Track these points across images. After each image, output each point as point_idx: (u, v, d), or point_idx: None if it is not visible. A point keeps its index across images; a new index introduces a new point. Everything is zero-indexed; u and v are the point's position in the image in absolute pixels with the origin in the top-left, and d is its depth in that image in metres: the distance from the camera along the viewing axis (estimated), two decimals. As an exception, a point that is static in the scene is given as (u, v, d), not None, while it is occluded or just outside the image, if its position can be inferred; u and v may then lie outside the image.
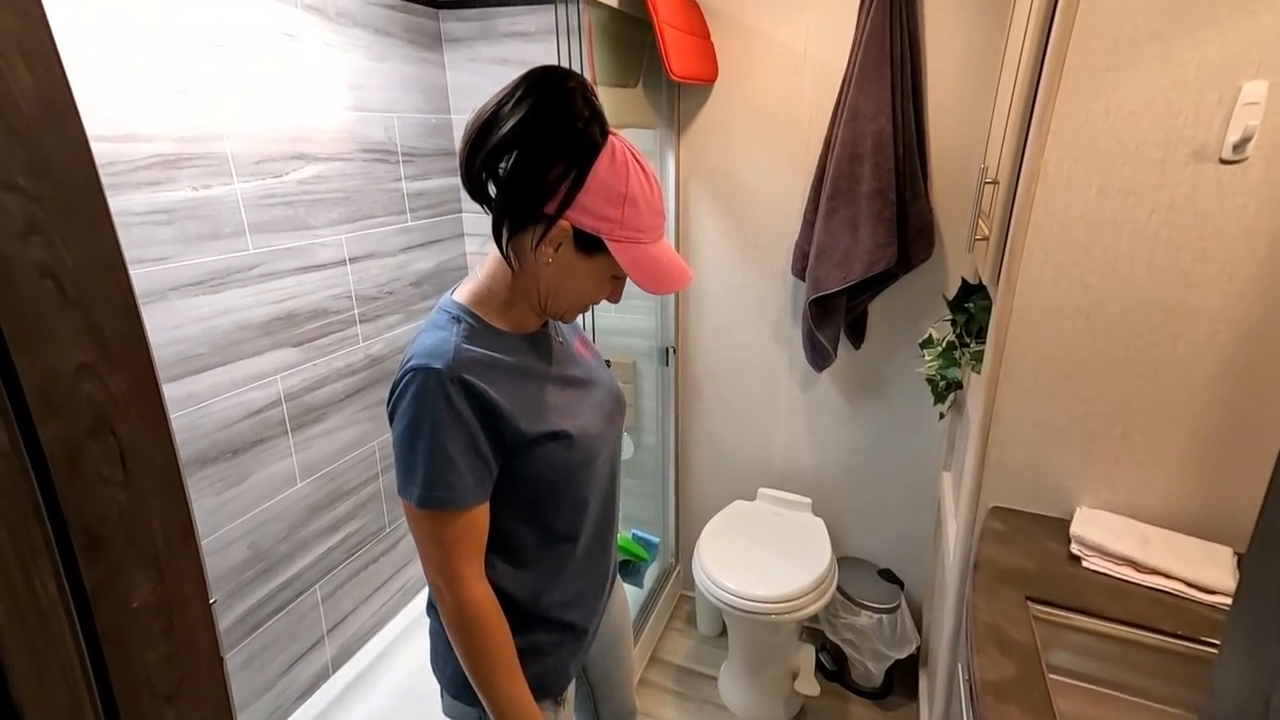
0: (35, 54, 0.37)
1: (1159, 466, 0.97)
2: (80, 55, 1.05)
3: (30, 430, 0.39)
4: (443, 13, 1.83)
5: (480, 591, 0.74)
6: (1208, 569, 0.88)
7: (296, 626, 1.57)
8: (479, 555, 0.74)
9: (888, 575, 1.86)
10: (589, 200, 0.66)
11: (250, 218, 1.35)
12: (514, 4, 1.76)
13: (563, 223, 0.67)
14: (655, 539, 1.12)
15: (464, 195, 1.96)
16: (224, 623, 1.38)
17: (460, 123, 1.92)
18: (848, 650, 1.80)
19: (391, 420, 0.71)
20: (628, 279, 0.73)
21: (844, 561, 1.89)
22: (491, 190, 0.68)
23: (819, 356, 1.66)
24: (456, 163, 1.94)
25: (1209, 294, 0.88)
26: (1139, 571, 0.91)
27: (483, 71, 1.85)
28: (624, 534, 1.10)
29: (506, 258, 0.71)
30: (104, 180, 1.22)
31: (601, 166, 0.66)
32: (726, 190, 1.75)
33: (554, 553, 0.83)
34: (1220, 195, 0.84)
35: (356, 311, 1.65)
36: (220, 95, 1.26)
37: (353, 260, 1.62)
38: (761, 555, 1.70)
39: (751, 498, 1.98)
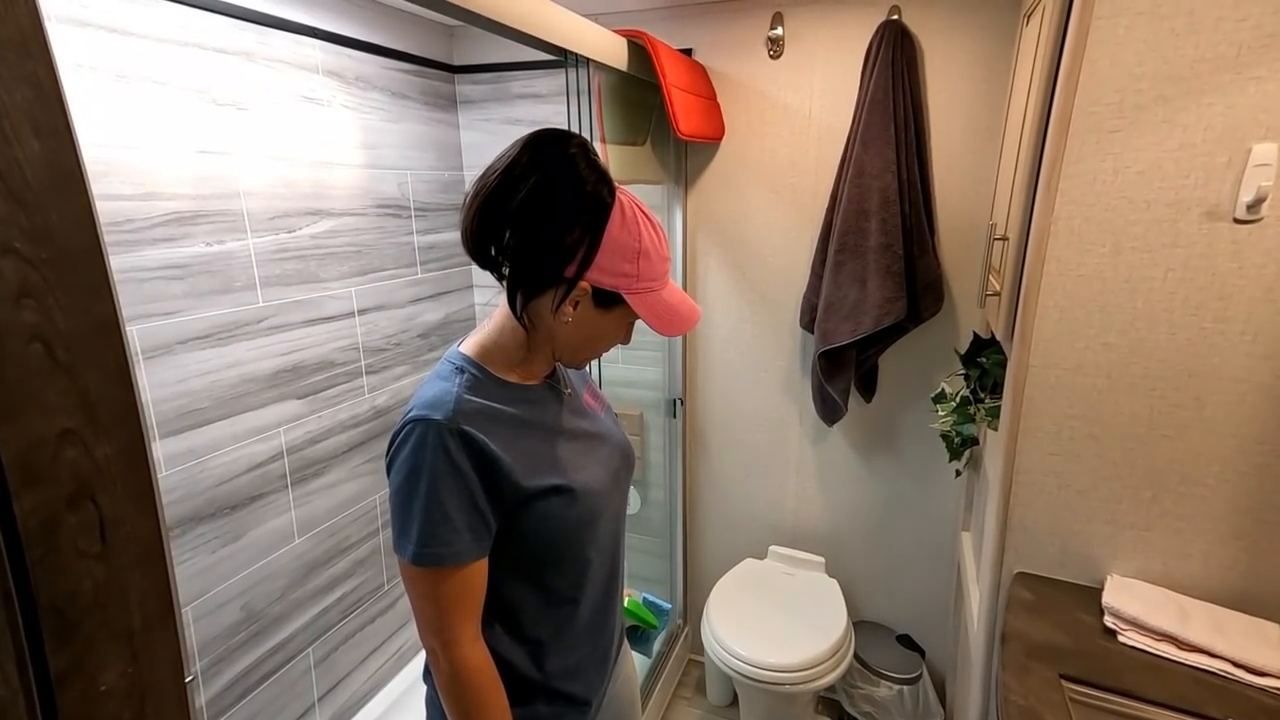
0: (45, 125, 0.37)
1: (1195, 535, 0.92)
2: (107, 118, 1.09)
3: (4, 501, 0.37)
4: (458, 76, 1.90)
5: (477, 655, 0.70)
6: (1255, 647, 0.82)
7: (287, 694, 1.50)
8: (476, 616, 0.71)
9: (907, 642, 1.77)
10: (605, 259, 0.67)
11: (262, 272, 1.36)
12: (527, 68, 1.83)
13: (583, 284, 0.68)
14: (667, 605, 1.07)
15: (474, 249, 1.99)
16: (210, 691, 1.32)
17: (472, 178, 1.96)
18: (867, 724, 1.69)
19: (389, 472, 0.69)
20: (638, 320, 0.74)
21: (860, 626, 1.80)
22: (501, 258, 0.69)
23: (830, 410, 1.63)
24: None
25: (1233, 355, 0.86)
26: (1180, 649, 0.85)
27: (496, 131, 1.91)
28: (634, 597, 1.05)
29: (522, 322, 0.72)
30: (120, 237, 1.23)
31: (614, 226, 0.67)
32: (734, 244, 1.77)
33: (555, 616, 0.78)
34: (1237, 255, 0.83)
35: (363, 363, 1.65)
36: (239, 155, 1.30)
37: (361, 312, 1.63)
38: (774, 619, 1.63)
39: (762, 556, 1.91)
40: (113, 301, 0.43)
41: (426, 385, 0.71)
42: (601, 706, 0.89)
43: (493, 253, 0.68)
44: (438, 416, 0.66)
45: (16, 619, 0.38)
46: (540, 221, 0.66)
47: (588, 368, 0.89)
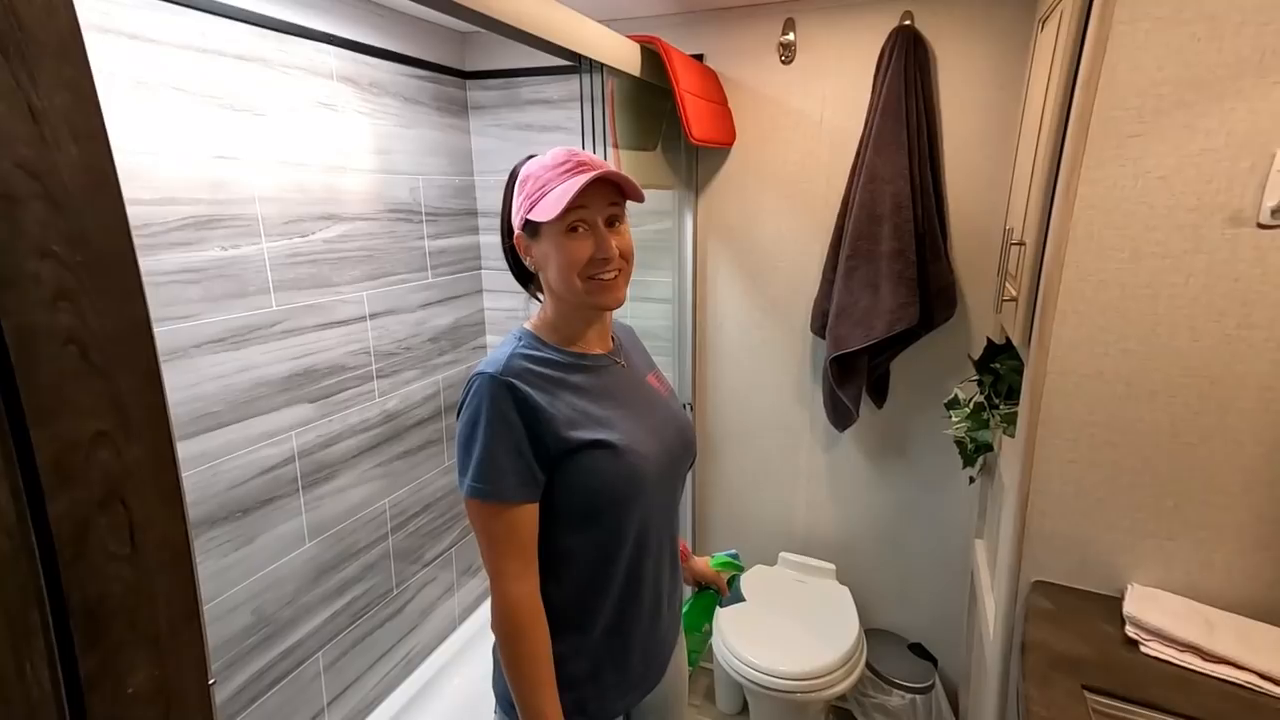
0: (83, 130, 0.38)
1: (1218, 544, 0.91)
2: (127, 124, 1.10)
3: (39, 503, 0.37)
4: (469, 82, 1.91)
5: (520, 591, 0.77)
6: (1283, 659, 0.81)
7: (296, 699, 1.49)
8: (522, 556, 0.78)
9: (919, 650, 1.76)
10: (514, 208, 0.82)
11: (275, 276, 1.37)
12: (538, 73, 1.84)
13: (518, 234, 0.82)
14: (734, 549, 1.16)
15: (484, 252, 2.00)
16: (221, 695, 1.32)
17: (483, 184, 1.98)
18: (878, 734, 1.67)
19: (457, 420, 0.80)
20: (598, 229, 0.79)
21: (871, 634, 1.79)
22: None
23: (841, 415, 1.62)
24: (478, 220, 1.99)
25: (1257, 361, 0.85)
26: (1205, 660, 0.83)
27: (506, 136, 1.92)
28: (716, 555, 1.15)
29: (525, 284, 0.89)
30: (138, 242, 1.25)
31: (514, 188, 0.82)
32: (745, 249, 1.77)
33: (604, 576, 0.83)
34: (1261, 261, 0.82)
35: (374, 367, 1.65)
36: (255, 160, 1.31)
37: (373, 316, 1.63)
38: (786, 626, 1.61)
39: (772, 563, 1.90)
40: (144, 304, 0.43)
41: (492, 351, 0.83)
42: (651, 692, 0.92)
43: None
44: (490, 371, 0.77)
45: (48, 621, 0.38)
46: (501, 220, 0.87)
47: (657, 343, 0.99)
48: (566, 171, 0.77)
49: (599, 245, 0.78)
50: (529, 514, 0.78)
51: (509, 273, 0.90)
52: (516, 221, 0.81)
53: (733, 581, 1.14)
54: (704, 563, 1.10)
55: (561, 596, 0.82)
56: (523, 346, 0.81)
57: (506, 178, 0.85)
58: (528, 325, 0.86)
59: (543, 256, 0.80)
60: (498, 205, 0.93)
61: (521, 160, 0.84)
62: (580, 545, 0.82)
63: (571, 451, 0.77)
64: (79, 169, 0.38)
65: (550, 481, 0.79)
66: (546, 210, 0.75)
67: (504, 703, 0.88)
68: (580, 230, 0.77)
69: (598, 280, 0.79)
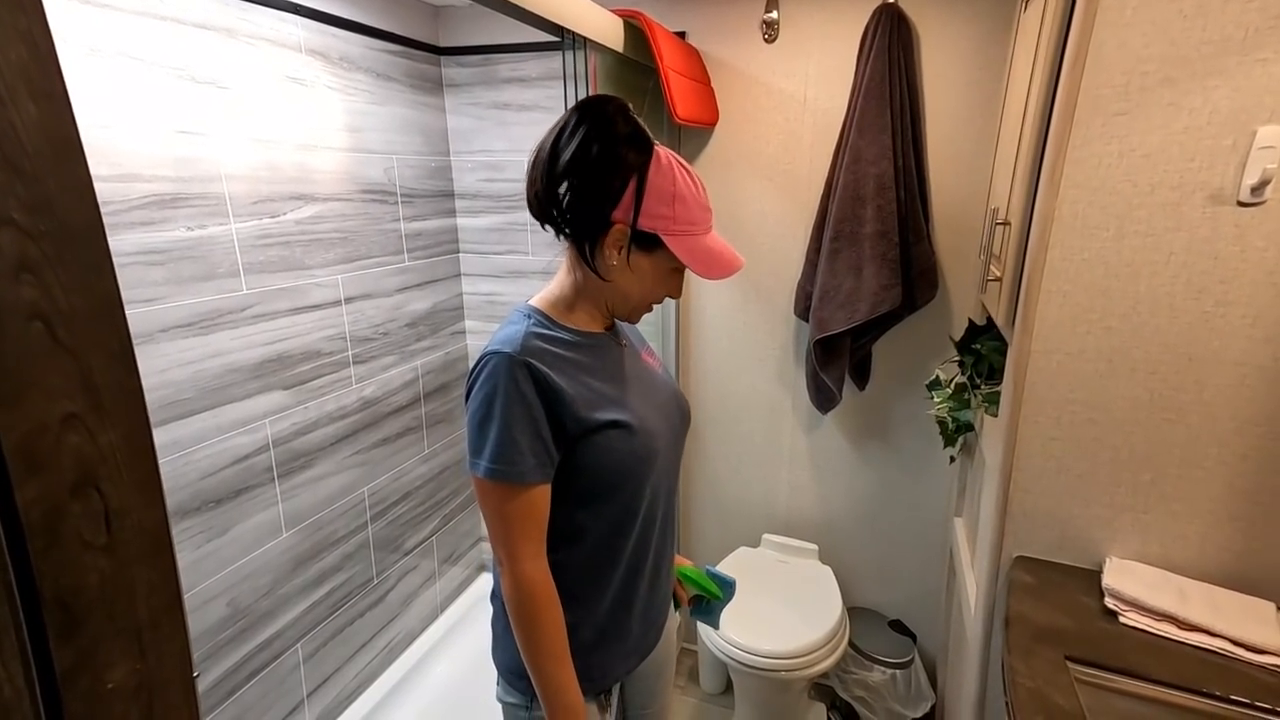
0: (42, 88, 0.35)
1: (1192, 517, 0.94)
2: (81, 94, 1.03)
3: (6, 490, 0.35)
4: (444, 58, 1.85)
5: (536, 570, 0.78)
6: (1253, 626, 0.84)
7: (275, 691, 1.46)
8: (537, 536, 0.78)
9: (899, 627, 1.80)
10: (646, 203, 0.75)
11: (245, 258, 1.31)
12: (516, 51, 1.79)
13: (621, 225, 0.75)
14: (731, 578, 1.08)
15: (462, 235, 1.95)
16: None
17: (459, 164, 1.92)
18: (859, 709, 1.71)
19: (467, 400, 0.78)
20: (683, 278, 0.82)
21: (853, 612, 1.82)
22: (559, 215, 0.77)
23: (824, 398, 1.64)
24: (455, 203, 1.94)
25: (1233, 338, 0.87)
26: (1180, 628, 0.86)
27: (483, 115, 1.87)
28: (698, 567, 1.08)
29: (593, 268, 0.79)
30: (98, 218, 1.15)
31: (651, 172, 0.75)
32: (728, 230, 1.75)
33: (612, 548, 0.85)
34: (1240, 239, 0.84)
35: (350, 353, 1.61)
36: (221, 136, 1.25)
37: (348, 301, 1.59)
38: (770, 607, 1.63)
39: (755, 544, 1.92)
40: (114, 277, 0.40)
41: (500, 329, 0.80)
42: (649, 654, 0.94)
43: (554, 213, 0.76)
44: (508, 350, 0.75)
45: (19, 614, 0.35)
46: (587, 171, 0.73)
47: (642, 329, 0.99)
48: (706, 213, 0.79)
49: (675, 291, 0.84)
50: (544, 494, 0.78)
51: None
52: (637, 222, 0.74)
53: (700, 602, 1.07)
54: (675, 562, 1.06)
55: (571, 569, 0.83)
56: (535, 325, 0.79)
57: (623, 150, 0.73)
58: (534, 303, 0.84)
59: (631, 265, 0.78)
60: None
61: (646, 140, 0.74)
62: (590, 521, 0.83)
63: (590, 432, 0.77)
64: (38, 130, 0.35)
65: (564, 461, 0.78)
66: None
67: (508, 674, 0.89)
68: (676, 271, 0.81)
69: (646, 308, 0.85)
